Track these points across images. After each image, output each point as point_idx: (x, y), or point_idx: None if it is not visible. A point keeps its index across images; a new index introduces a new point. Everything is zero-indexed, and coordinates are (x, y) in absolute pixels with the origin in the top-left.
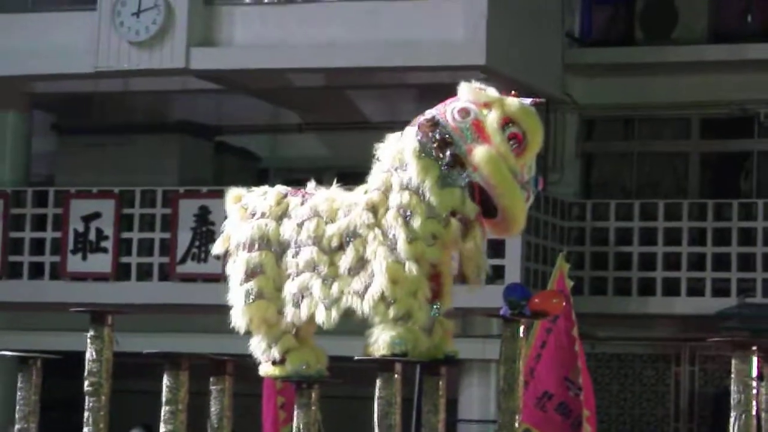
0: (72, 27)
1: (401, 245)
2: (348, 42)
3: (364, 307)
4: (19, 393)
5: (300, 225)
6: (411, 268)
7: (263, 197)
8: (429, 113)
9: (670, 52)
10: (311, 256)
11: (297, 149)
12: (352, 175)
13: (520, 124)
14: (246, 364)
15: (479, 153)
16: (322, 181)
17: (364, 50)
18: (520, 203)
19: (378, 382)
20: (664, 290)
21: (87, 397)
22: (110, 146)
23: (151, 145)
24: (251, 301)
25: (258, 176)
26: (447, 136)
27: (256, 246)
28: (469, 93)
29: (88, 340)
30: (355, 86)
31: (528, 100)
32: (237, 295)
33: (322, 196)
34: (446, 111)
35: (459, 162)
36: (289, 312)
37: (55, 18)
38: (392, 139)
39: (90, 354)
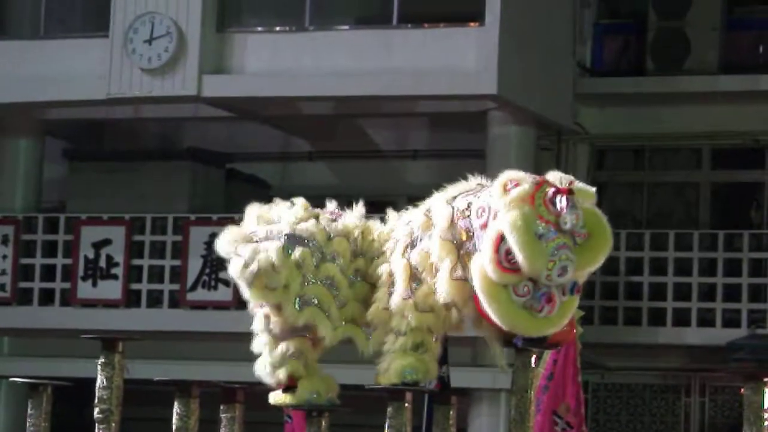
0: (84, 54)
1: (397, 302)
2: (359, 70)
3: (369, 348)
4: (29, 420)
5: (330, 238)
6: (400, 323)
7: (290, 208)
8: (468, 198)
9: (681, 83)
10: (332, 272)
11: (307, 177)
12: (355, 203)
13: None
14: (256, 392)
15: (471, 265)
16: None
17: (375, 79)
18: (510, 319)
19: (388, 411)
20: (675, 320)
21: (97, 425)
22: (121, 173)
23: (162, 172)
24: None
25: (268, 204)
26: (469, 229)
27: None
28: (496, 189)
29: (99, 367)
30: (366, 114)
31: (564, 201)
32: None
33: (354, 221)
34: (475, 202)
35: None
36: (290, 312)
37: (67, 45)
38: (434, 201)
39: (100, 381)
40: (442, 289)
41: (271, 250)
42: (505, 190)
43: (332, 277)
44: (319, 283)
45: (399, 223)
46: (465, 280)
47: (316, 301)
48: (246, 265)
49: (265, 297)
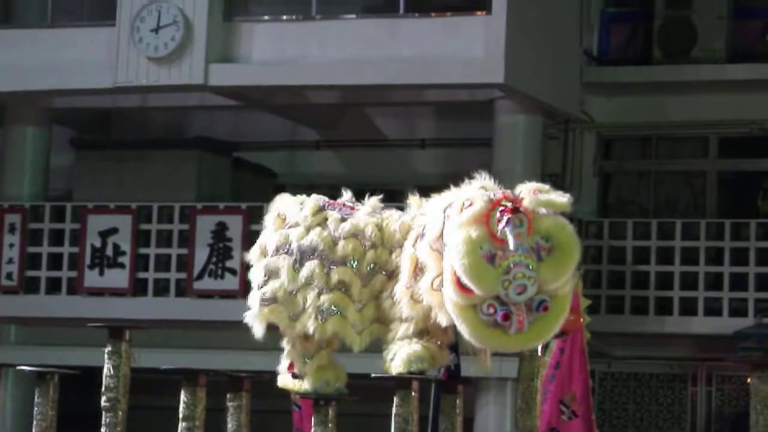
0: (91, 42)
1: (399, 290)
2: (366, 59)
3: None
4: (36, 408)
5: (335, 242)
6: (401, 311)
7: (300, 207)
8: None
9: (688, 71)
10: (343, 276)
11: (314, 166)
12: (369, 193)
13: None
14: (263, 381)
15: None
16: (334, 198)
17: (383, 67)
18: (480, 338)
19: (395, 400)
20: (681, 310)
21: (104, 413)
22: (128, 162)
23: (168, 161)
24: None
25: (275, 193)
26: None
27: (277, 251)
28: (455, 208)
29: (106, 356)
30: (373, 103)
31: (504, 221)
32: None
33: (366, 218)
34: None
35: None
36: (312, 326)
37: (74, 33)
38: (439, 202)
39: (107, 369)
40: (425, 296)
41: (282, 272)
42: (462, 210)
43: (345, 281)
44: (334, 290)
45: (419, 214)
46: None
47: (335, 310)
48: (263, 298)
49: (287, 321)
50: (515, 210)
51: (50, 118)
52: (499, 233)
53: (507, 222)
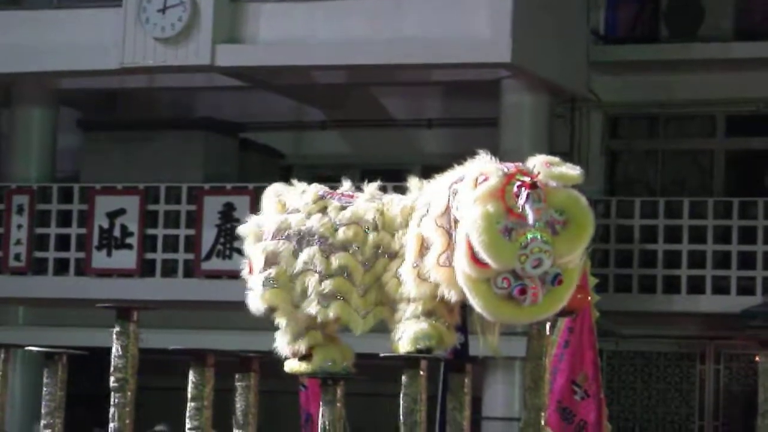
0: (98, 23)
1: (406, 270)
2: (373, 39)
3: (396, 318)
4: (44, 388)
5: (336, 228)
6: (409, 291)
7: (301, 195)
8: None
9: (695, 50)
10: (345, 261)
11: (321, 146)
12: (376, 172)
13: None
14: (271, 361)
15: (455, 258)
16: (340, 178)
17: (389, 47)
18: (494, 311)
19: (403, 379)
20: (689, 288)
21: (112, 393)
22: (135, 143)
23: (175, 142)
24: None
25: (282, 173)
26: (456, 219)
27: (277, 236)
28: (467, 183)
29: (114, 336)
30: (380, 83)
31: (524, 197)
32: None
33: (366, 204)
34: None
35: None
36: (314, 309)
37: (81, 14)
38: (444, 180)
39: (115, 350)
40: (431, 272)
41: (282, 257)
42: (476, 185)
43: (347, 266)
44: (335, 275)
45: (421, 195)
46: (451, 267)
47: (338, 295)
48: (264, 283)
49: (289, 306)
50: (534, 185)
51: (57, 99)
52: (519, 208)
53: (527, 198)
